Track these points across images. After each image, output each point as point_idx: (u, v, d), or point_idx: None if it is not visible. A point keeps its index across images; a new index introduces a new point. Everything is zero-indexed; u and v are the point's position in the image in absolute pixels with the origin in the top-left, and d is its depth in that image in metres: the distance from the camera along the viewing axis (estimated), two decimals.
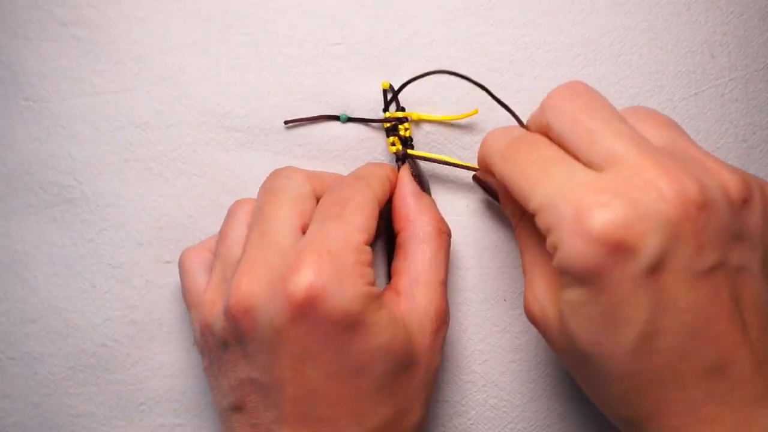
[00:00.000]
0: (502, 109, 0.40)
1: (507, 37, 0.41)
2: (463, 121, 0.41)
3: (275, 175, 0.36)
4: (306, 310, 0.30)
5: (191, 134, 0.41)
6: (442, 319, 0.34)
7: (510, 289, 0.40)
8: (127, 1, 0.41)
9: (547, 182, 0.29)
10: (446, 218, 0.40)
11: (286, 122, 0.40)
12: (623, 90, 0.41)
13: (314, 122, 0.41)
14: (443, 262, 0.35)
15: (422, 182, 0.38)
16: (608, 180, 0.28)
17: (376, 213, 0.34)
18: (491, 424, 0.40)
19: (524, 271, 0.34)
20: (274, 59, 0.41)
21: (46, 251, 0.41)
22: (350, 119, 0.40)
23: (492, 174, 0.35)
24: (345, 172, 0.40)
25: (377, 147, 0.41)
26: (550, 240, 0.29)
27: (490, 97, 0.40)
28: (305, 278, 0.30)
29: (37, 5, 0.41)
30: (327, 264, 0.30)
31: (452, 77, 0.40)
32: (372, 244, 0.33)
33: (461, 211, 0.40)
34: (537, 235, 0.33)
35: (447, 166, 0.40)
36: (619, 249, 0.26)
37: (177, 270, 0.39)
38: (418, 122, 0.41)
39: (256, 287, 0.32)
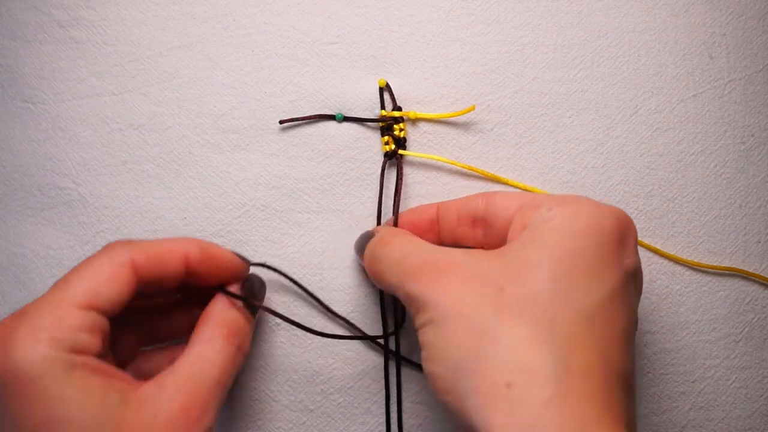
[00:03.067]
0: (499, 109, 0.41)
1: (505, 38, 0.41)
2: (460, 120, 0.41)
3: None
4: None
5: (188, 136, 0.41)
6: (186, 420, 0.29)
7: None
8: (124, 4, 0.41)
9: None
10: None
11: (281, 121, 0.40)
12: (621, 92, 0.41)
13: (310, 122, 0.41)
14: (220, 369, 0.32)
15: (251, 290, 0.35)
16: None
17: (119, 278, 0.30)
18: None
19: None
20: (270, 60, 0.41)
21: (44, 253, 0.41)
22: (346, 118, 0.40)
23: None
24: (339, 171, 0.40)
25: (373, 146, 0.41)
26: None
27: (486, 96, 0.40)
28: None
29: (36, 8, 0.42)
30: (12, 325, 0.29)
31: (450, 74, 0.40)
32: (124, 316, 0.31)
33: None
34: None
35: (444, 168, 0.40)
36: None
37: None
38: (415, 121, 0.41)
39: None
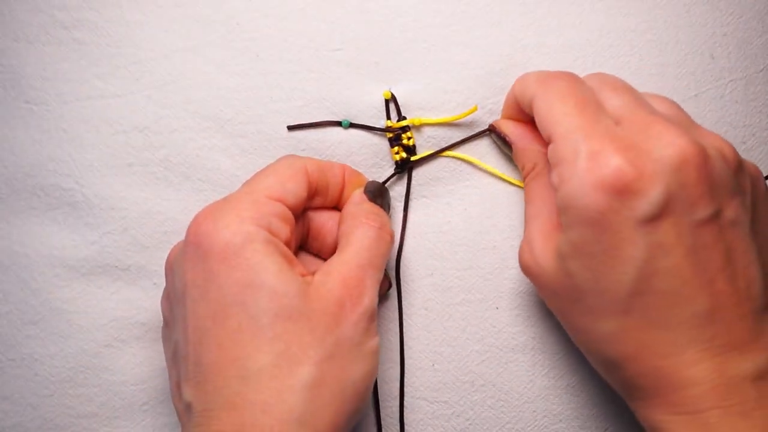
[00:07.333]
0: (503, 109, 0.41)
1: (506, 40, 0.41)
2: (463, 122, 0.41)
3: None
4: (196, 247, 0.33)
5: (195, 139, 0.41)
6: (349, 295, 0.33)
7: (507, 289, 0.40)
8: (128, 5, 0.41)
9: (576, 116, 0.32)
10: (445, 219, 0.40)
11: (289, 127, 0.40)
12: None
13: (317, 128, 0.41)
14: (368, 250, 0.35)
15: (379, 198, 0.39)
16: (625, 132, 0.31)
17: (298, 178, 0.36)
18: (488, 424, 0.40)
19: (526, 222, 0.36)
20: (275, 65, 0.41)
21: (46, 253, 0.41)
22: (352, 125, 0.41)
23: (517, 112, 0.38)
24: None
25: (379, 152, 0.41)
26: (558, 171, 0.31)
27: (489, 99, 0.41)
28: (196, 220, 0.34)
29: (39, 9, 0.42)
30: (218, 207, 0.34)
31: (450, 80, 0.41)
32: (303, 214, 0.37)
33: (459, 213, 0.41)
34: (545, 188, 0.36)
35: (448, 170, 0.41)
36: (626, 193, 0.29)
37: None
38: (420, 127, 0.41)
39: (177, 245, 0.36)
